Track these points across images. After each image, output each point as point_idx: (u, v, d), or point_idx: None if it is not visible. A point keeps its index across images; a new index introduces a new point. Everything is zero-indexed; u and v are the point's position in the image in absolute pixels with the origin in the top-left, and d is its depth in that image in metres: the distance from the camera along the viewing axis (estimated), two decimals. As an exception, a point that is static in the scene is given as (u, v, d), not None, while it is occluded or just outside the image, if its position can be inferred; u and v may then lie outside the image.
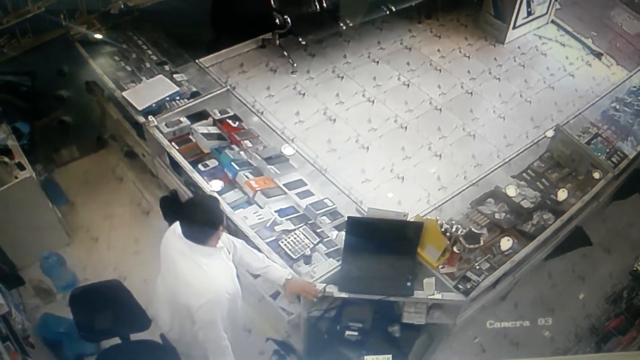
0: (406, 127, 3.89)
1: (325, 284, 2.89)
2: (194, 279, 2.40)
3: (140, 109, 3.49)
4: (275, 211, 3.22)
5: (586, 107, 3.94)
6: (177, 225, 2.46)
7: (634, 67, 4.23)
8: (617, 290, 3.53)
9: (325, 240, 3.15)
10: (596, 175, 3.62)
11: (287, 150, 3.48)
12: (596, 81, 4.22)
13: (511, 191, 3.49)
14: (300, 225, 3.18)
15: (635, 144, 3.78)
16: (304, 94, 4.02)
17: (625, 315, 3.40)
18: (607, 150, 3.73)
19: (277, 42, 4.20)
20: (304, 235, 3.12)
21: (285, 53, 4.19)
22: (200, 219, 2.43)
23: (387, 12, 4.40)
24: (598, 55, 4.33)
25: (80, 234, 3.50)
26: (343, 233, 3.06)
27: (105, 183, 3.70)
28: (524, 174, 3.66)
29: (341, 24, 4.26)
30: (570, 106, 4.05)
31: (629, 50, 4.35)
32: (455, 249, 3.14)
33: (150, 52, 3.94)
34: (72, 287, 3.09)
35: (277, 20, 4.08)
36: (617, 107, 3.95)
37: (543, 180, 3.62)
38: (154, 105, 3.53)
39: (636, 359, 3.05)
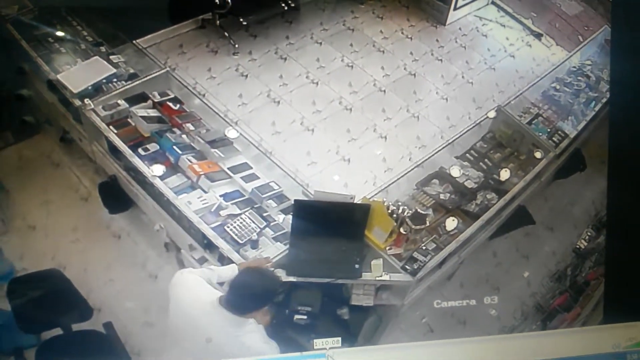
0: (351, 109, 3.85)
1: (273, 269, 2.86)
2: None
3: (76, 91, 3.34)
4: (220, 195, 3.15)
5: (527, 88, 4.01)
6: (196, 284, 2.47)
7: (573, 47, 4.30)
8: (561, 268, 3.61)
9: (272, 224, 3.10)
10: (538, 154, 3.69)
11: (231, 133, 3.42)
12: (536, 62, 4.26)
13: (455, 172, 3.52)
14: (246, 209, 3.12)
15: (576, 124, 3.87)
16: (246, 76, 3.92)
17: (570, 293, 3.49)
18: (548, 130, 3.80)
19: (218, 22, 4.07)
20: (251, 220, 3.07)
21: (226, 34, 4.07)
22: (258, 289, 2.48)
23: (329, -8, 4.37)
24: (538, 36, 4.39)
25: (16, 222, 3.33)
26: (290, 216, 3.03)
27: (41, 169, 3.54)
28: (467, 155, 3.69)
29: (283, 5, 4.18)
30: (511, 87, 4.08)
31: (568, 30, 4.42)
32: (402, 230, 3.16)
33: (85, 32, 3.78)
34: (10, 277, 2.96)
35: (217, 0, 3.96)
36: (557, 87, 4.03)
37: (486, 160, 3.67)
38: (90, 87, 3.39)
39: (581, 334, 3.12)
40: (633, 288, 3.19)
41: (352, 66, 4.10)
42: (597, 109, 3.95)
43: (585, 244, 3.67)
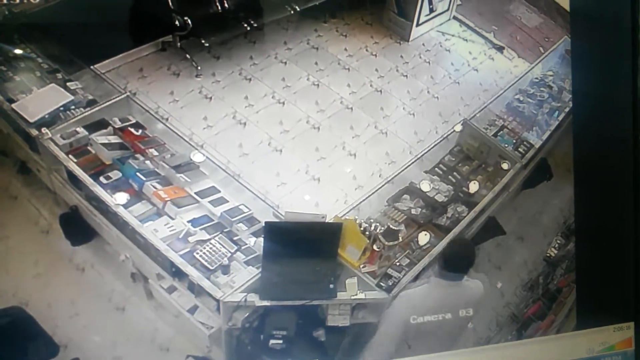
0: (319, 128, 3.82)
1: (245, 294, 2.80)
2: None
3: (32, 121, 3.23)
4: (188, 221, 3.07)
5: (491, 100, 4.03)
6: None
7: (535, 59, 4.34)
8: (533, 276, 3.62)
9: (243, 247, 3.03)
10: (505, 166, 3.71)
11: (197, 157, 3.34)
12: (499, 74, 4.28)
13: (425, 186, 3.52)
14: (215, 234, 3.04)
15: (541, 134, 3.91)
16: (210, 98, 3.85)
17: (543, 301, 3.50)
18: (514, 141, 3.83)
19: (179, 44, 3.99)
20: (221, 244, 2.99)
21: (187, 56, 3.99)
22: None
23: (292, 12, 4.32)
24: (500, 49, 4.43)
25: (-27, 260, 3.21)
26: (261, 239, 2.97)
27: (-2, 203, 3.42)
28: (436, 169, 3.70)
29: (245, 25, 4.13)
30: (476, 100, 4.09)
31: (529, 42, 4.47)
32: (375, 247, 3.13)
33: (40, 60, 3.68)
34: (-31, 317, 2.86)
35: (177, 22, 3.90)
36: (521, 98, 4.07)
37: (455, 173, 3.67)
38: (47, 116, 3.28)
39: (556, 341, 3.13)
40: (604, 293, 3.22)
41: (318, 85, 4.07)
42: (560, 118, 3.98)
43: (556, 251, 3.70)
